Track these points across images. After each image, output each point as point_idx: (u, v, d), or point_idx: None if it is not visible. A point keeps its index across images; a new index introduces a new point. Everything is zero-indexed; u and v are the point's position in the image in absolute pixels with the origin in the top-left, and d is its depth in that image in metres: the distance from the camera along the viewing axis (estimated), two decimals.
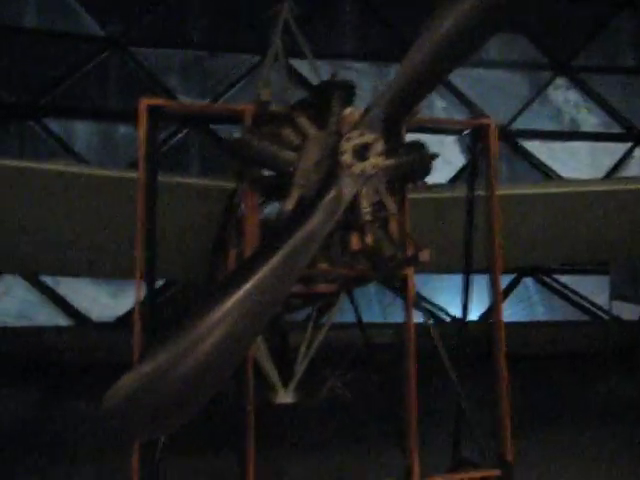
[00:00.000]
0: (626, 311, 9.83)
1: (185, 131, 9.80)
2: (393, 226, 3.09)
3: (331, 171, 2.77)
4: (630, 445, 5.79)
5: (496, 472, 3.44)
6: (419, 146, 3.08)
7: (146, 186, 3.30)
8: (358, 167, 2.74)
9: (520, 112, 11.39)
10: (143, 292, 3.22)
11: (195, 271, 4.15)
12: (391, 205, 2.91)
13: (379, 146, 2.78)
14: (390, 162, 2.91)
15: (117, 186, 3.76)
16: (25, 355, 7.46)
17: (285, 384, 3.92)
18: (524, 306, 10.47)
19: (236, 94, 10.05)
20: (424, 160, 3.06)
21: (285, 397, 3.87)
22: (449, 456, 3.83)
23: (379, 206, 2.91)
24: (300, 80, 8.20)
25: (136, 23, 9.97)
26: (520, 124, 11.35)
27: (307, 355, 4.10)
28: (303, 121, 2.94)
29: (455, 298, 4.04)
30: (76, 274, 5.68)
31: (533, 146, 11.31)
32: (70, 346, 7.61)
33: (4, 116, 9.06)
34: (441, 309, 9.70)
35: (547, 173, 11.29)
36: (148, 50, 9.90)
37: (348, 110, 2.88)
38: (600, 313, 10.59)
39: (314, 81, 3.78)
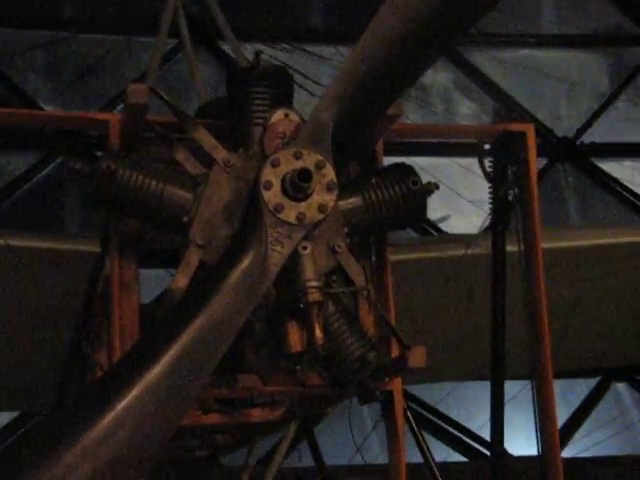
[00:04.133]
0: None
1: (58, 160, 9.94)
2: (363, 310, 3.10)
3: (250, 220, 2.73)
4: None
5: None
6: (404, 172, 3.04)
7: None
8: (293, 211, 2.67)
9: (595, 116, 10.88)
10: None
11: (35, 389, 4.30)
12: (358, 275, 2.91)
13: (328, 174, 2.71)
14: (352, 201, 2.93)
15: None
16: None
17: None
18: (618, 427, 9.50)
19: None
20: (413, 196, 3.00)
21: None
22: None
23: (338, 277, 2.92)
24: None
25: None
26: (595, 135, 10.89)
27: None
28: (204, 137, 2.90)
29: None
30: None
31: (616, 168, 10.86)
32: None
33: None
34: (474, 436, 9.16)
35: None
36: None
37: (278, 114, 2.86)
38: None
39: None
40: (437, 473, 3.67)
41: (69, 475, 2.37)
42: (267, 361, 3.08)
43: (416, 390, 8.56)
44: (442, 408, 9.20)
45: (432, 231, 9.90)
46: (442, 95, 11.34)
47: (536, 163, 3.54)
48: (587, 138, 10.93)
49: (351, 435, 4.08)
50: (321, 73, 9.55)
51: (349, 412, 3.98)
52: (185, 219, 2.83)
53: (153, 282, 3.87)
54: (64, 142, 9.71)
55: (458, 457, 9.09)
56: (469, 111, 11.29)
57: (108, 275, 3.39)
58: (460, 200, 9.19)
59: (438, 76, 11.30)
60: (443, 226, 10.11)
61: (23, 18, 10.62)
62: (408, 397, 4.09)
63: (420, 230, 9.42)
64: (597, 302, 4.36)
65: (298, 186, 2.65)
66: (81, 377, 3.79)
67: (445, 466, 3.68)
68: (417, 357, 2.88)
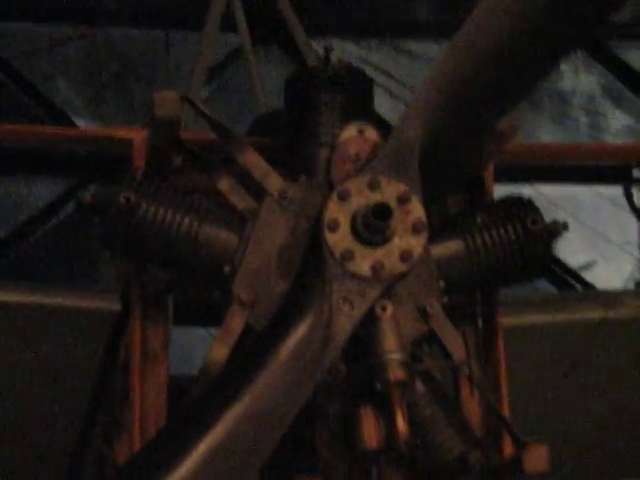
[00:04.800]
0: None
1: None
2: (465, 393, 3.20)
3: (310, 272, 2.82)
4: None
5: None
6: (521, 208, 3.12)
7: None
8: (368, 260, 2.71)
9: None
10: None
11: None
12: (457, 345, 3.00)
13: (415, 210, 2.75)
14: (449, 246, 3.03)
15: None
16: None
17: None
18: None
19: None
20: (533, 239, 3.07)
21: None
22: None
23: (430, 349, 3.06)
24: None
25: None
26: None
27: None
28: (255, 161, 2.99)
29: None
30: None
31: None
32: None
33: None
34: None
35: None
36: None
37: (350, 130, 2.96)
38: None
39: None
40: None
41: None
42: (341, 460, 3.12)
43: None
44: None
45: (573, 282, 10.02)
46: (586, 105, 11.47)
47: None
48: None
49: None
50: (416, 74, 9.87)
51: None
52: (227, 269, 2.91)
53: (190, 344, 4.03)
54: (98, 166, 10.13)
55: None
56: (621, 125, 11.37)
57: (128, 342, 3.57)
58: (608, 242, 9.30)
59: (581, 80, 11.41)
60: (587, 276, 10.21)
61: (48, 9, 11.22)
62: None
63: (559, 282, 9.58)
64: None
65: (374, 226, 2.69)
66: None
67: None
68: (537, 458, 2.87)
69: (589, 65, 11.13)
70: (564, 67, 10.11)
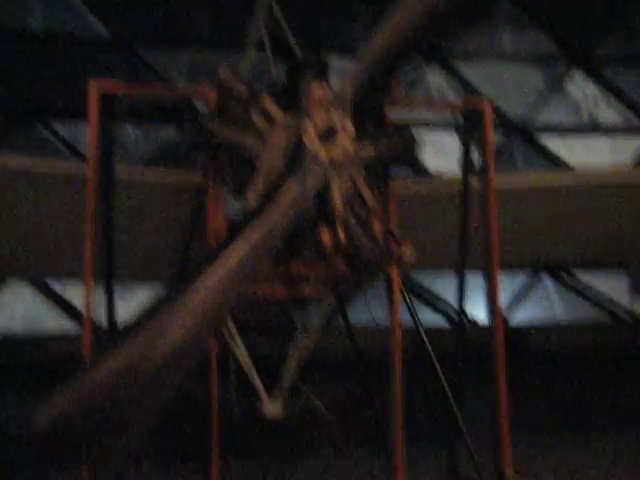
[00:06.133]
0: None
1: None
2: (373, 222, 4.46)
3: (296, 158, 4.15)
4: None
5: None
6: (402, 130, 4.59)
7: (100, 183, 5.00)
8: (325, 153, 4.06)
9: (536, 106, 17.02)
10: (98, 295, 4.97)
11: (161, 276, 5.84)
12: (369, 198, 4.33)
13: (348, 128, 4.12)
14: (365, 148, 4.36)
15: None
16: (31, 363, 10.67)
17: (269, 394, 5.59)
18: (543, 307, 16.68)
19: None
20: (408, 146, 4.55)
21: (274, 410, 5.55)
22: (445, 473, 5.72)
23: (358, 199, 4.31)
24: None
25: (141, 23, 14.33)
26: (537, 120, 17.20)
27: (295, 363, 5.76)
28: (269, 103, 4.31)
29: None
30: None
31: (551, 142, 17.15)
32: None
33: (11, 119, 13.94)
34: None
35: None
36: (155, 50, 14.35)
37: (315, 86, 4.21)
38: (621, 313, 16.86)
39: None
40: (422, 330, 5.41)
41: (164, 335, 3.46)
42: (311, 254, 4.44)
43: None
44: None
45: None
46: None
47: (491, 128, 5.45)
48: (531, 122, 17.39)
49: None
50: None
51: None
52: (256, 158, 4.21)
53: None
54: None
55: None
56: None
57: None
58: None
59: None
60: None
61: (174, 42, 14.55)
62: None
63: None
64: (517, 221, 6.45)
65: (328, 136, 4.00)
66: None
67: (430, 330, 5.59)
68: (408, 251, 4.45)
69: None
70: None
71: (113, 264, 5.35)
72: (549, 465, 9.48)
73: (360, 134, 4.35)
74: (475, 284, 6.10)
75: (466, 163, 5.85)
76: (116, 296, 5.70)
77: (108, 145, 5.21)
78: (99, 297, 5.49)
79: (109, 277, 5.39)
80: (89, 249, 5.08)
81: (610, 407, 12.51)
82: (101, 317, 5.60)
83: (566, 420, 11.59)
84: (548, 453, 9.77)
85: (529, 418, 10.84)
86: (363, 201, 4.36)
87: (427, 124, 7.02)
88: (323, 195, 4.17)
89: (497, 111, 16.40)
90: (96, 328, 5.44)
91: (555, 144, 17.26)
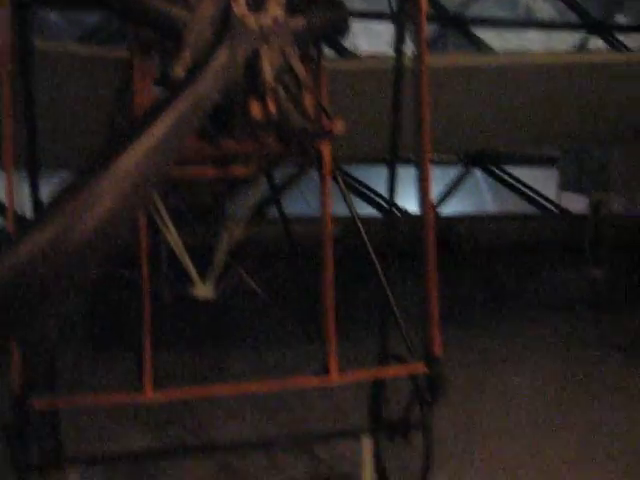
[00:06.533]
0: (574, 203, 16.67)
1: None
2: (304, 95, 4.31)
3: (225, 27, 3.92)
4: (573, 338, 10.34)
5: (423, 367, 5.23)
6: (335, 3, 4.47)
7: (18, 56, 4.77)
8: (253, 20, 3.91)
9: None
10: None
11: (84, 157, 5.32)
12: (300, 70, 4.17)
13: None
14: (296, 18, 4.19)
15: None
16: None
17: (202, 277, 5.63)
18: (474, 198, 17.80)
19: None
20: (340, 19, 4.51)
21: (205, 291, 5.60)
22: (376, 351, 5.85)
23: (289, 72, 4.17)
24: None
25: None
26: (472, 12, 17.97)
27: (226, 246, 5.75)
28: None
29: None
30: None
31: (486, 35, 17.76)
32: None
33: None
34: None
35: None
36: None
37: None
38: (549, 205, 18.15)
39: None
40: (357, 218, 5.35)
41: (94, 205, 3.34)
42: (241, 130, 4.24)
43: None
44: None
45: None
46: None
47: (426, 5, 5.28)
48: (466, 13, 18.44)
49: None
50: None
51: None
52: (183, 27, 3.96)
53: None
54: None
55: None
56: None
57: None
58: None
59: None
60: None
61: None
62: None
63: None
64: (453, 103, 6.52)
65: (259, 5, 3.93)
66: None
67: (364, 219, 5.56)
68: (338, 126, 4.42)
69: None
70: None
71: (36, 151, 5.18)
72: (476, 349, 9.89)
73: (291, 4, 4.23)
74: (407, 177, 5.95)
75: (399, 43, 5.70)
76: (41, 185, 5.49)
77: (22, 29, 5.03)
78: (22, 187, 5.22)
79: (33, 164, 5.22)
80: (9, 136, 4.86)
81: (535, 293, 13.30)
82: (25, 208, 5.30)
83: (495, 305, 12.19)
84: (475, 337, 10.26)
85: (459, 304, 11.56)
86: (294, 74, 4.24)
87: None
88: (253, 66, 4.03)
89: (433, 2, 16.80)
90: (20, 220, 5.13)
91: (489, 36, 17.85)
